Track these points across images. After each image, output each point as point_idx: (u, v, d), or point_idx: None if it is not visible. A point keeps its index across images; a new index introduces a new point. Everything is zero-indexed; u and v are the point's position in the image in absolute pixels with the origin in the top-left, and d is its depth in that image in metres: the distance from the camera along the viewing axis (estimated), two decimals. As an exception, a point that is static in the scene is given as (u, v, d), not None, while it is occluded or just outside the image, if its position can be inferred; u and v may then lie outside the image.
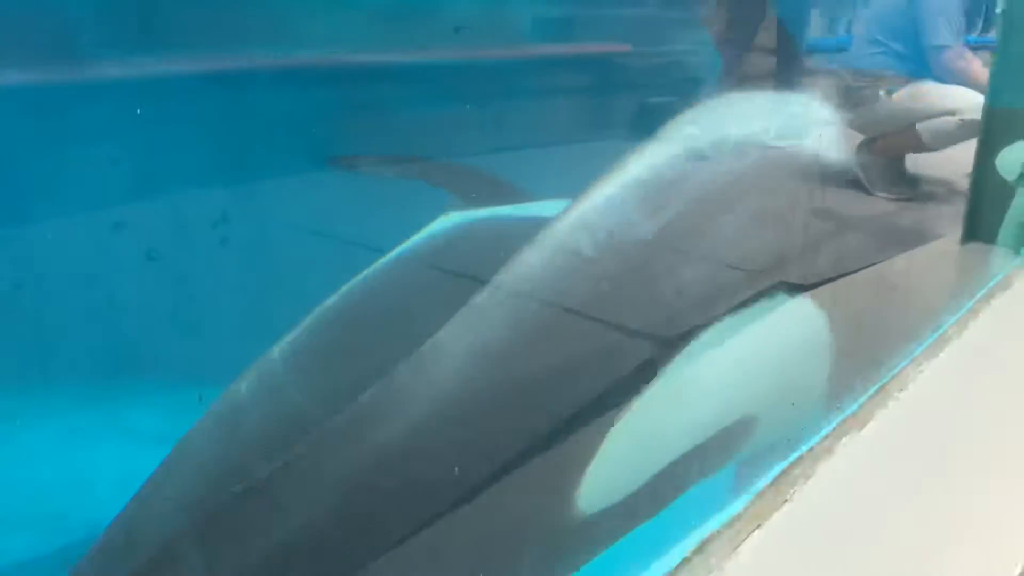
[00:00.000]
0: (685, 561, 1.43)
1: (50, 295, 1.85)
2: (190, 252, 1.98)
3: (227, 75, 1.90)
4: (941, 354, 2.29)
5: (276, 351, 1.99)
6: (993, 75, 3.16)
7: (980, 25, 4.04)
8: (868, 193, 3.62)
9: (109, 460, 1.83)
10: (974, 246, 3.28)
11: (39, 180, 1.80)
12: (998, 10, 4.02)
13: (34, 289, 1.85)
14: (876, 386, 2.03)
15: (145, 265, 1.96)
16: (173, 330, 1.87)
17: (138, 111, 1.86)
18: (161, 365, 1.89)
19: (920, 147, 3.70)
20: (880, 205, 3.46)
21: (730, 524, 1.48)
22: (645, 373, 1.74)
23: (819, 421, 1.80)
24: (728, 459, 1.90)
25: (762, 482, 1.59)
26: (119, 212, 1.85)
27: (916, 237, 3.33)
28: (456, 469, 1.53)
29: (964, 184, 3.60)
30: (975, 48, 3.61)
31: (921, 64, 3.58)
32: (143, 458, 1.83)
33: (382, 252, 2.30)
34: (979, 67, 3.71)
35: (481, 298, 1.80)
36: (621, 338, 1.78)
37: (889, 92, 3.59)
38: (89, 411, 1.84)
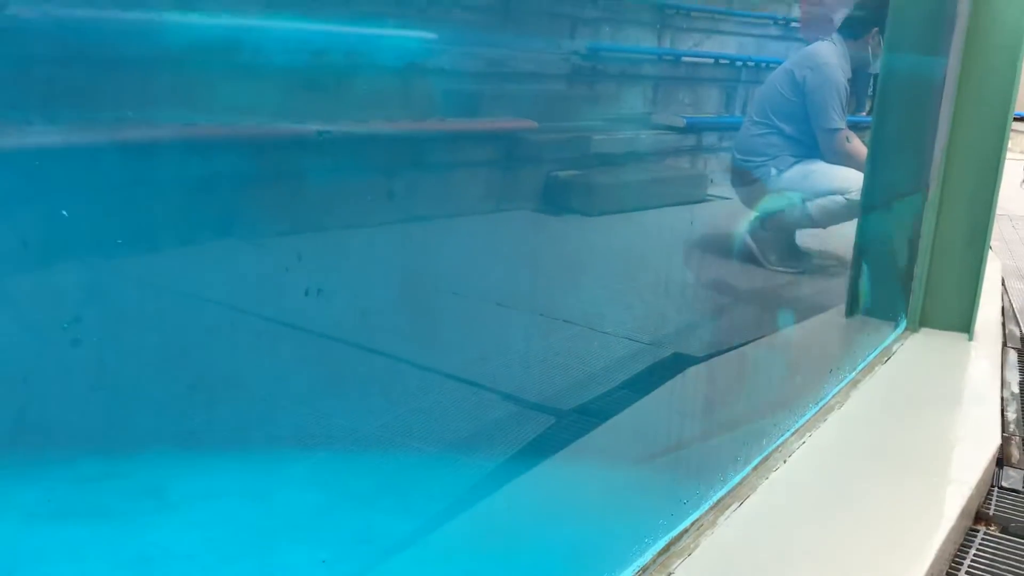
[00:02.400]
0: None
1: None
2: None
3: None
4: (822, 424, 2.39)
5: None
6: (870, 154, 3.35)
7: (855, 106, 4.30)
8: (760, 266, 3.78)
9: None
10: (857, 318, 3.44)
11: None
12: (870, 92, 4.28)
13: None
14: (759, 457, 2.10)
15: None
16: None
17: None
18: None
19: (809, 224, 3.89)
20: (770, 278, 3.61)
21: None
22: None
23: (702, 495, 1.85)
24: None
25: (645, 557, 1.62)
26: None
27: (805, 309, 3.48)
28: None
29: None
30: (855, 128, 3.84)
31: (808, 145, 3.78)
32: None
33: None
34: (862, 147, 3.94)
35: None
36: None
37: (778, 171, 3.77)
38: None
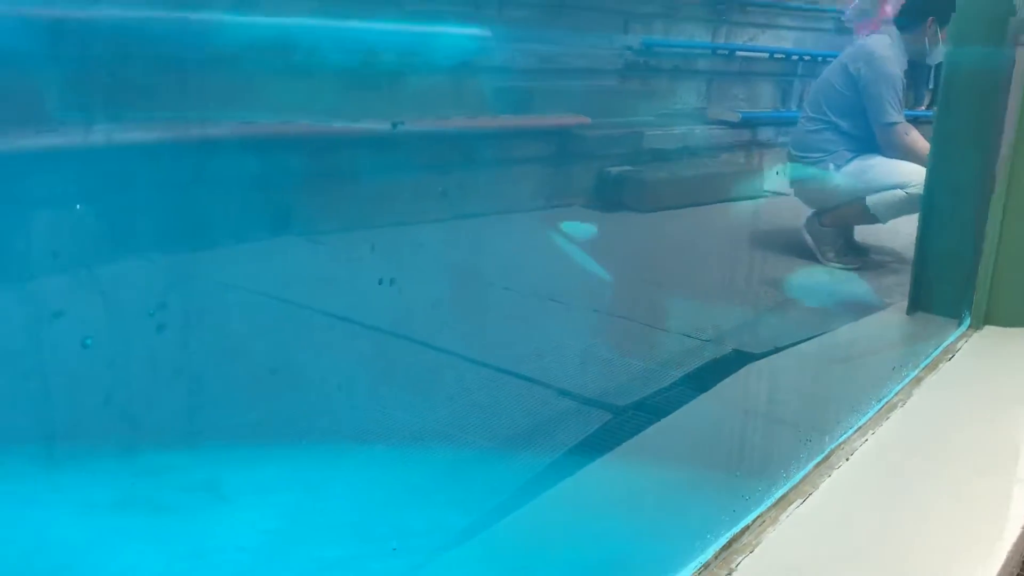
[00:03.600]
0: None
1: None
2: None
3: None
4: (885, 423, 2.34)
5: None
6: (933, 149, 3.27)
7: (912, 99, 4.20)
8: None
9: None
10: (920, 315, 3.36)
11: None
12: (931, 86, 4.18)
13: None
14: (821, 455, 2.07)
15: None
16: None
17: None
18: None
19: (869, 219, 3.82)
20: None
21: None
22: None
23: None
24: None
25: (707, 554, 1.60)
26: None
27: (865, 306, 3.42)
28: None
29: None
30: (913, 122, 3.76)
31: (865, 140, 3.71)
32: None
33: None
34: (922, 141, 3.85)
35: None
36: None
37: (836, 166, 3.71)
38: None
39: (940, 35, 3.73)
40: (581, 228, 3.50)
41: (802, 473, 1.93)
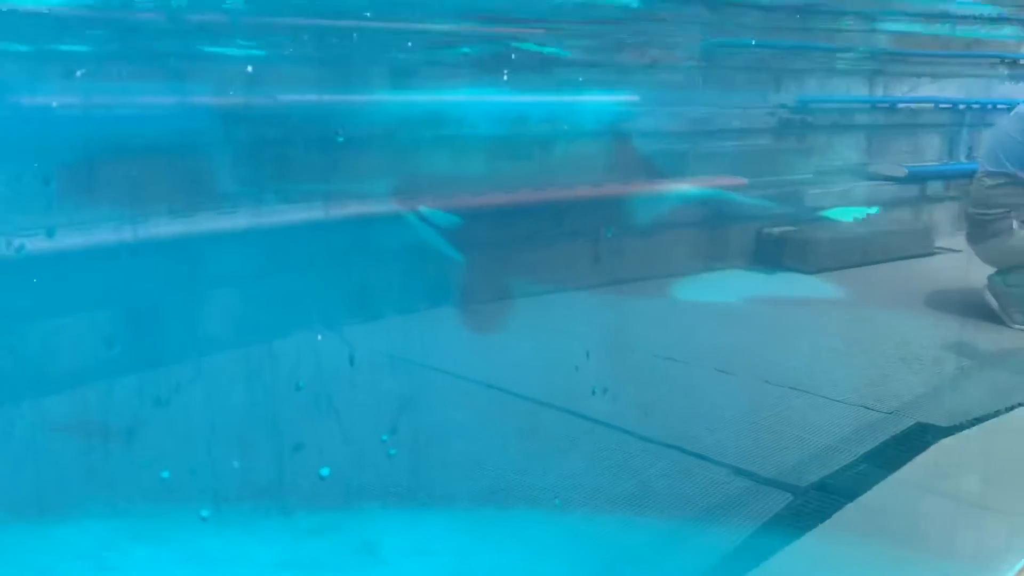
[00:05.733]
0: None
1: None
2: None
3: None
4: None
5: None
6: None
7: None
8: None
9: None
10: None
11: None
12: None
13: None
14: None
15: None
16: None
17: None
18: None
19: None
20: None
21: None
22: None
23: None
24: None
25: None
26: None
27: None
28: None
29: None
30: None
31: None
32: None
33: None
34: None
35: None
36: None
37: (1021, 222, 3.45)
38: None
39: None
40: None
41: (1017, 567, 1.75)
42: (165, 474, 1.80)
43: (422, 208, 2.59)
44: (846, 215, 4.15)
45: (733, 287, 3.60)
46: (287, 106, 2.60)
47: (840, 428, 2.41)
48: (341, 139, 2.54)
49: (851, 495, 2.00)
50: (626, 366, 2.73)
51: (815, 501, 2.01)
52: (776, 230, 3.86)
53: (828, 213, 4.13)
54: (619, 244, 3.39)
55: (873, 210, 4.31)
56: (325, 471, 1.89)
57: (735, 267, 3.81)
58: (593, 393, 2.38)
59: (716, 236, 3.82)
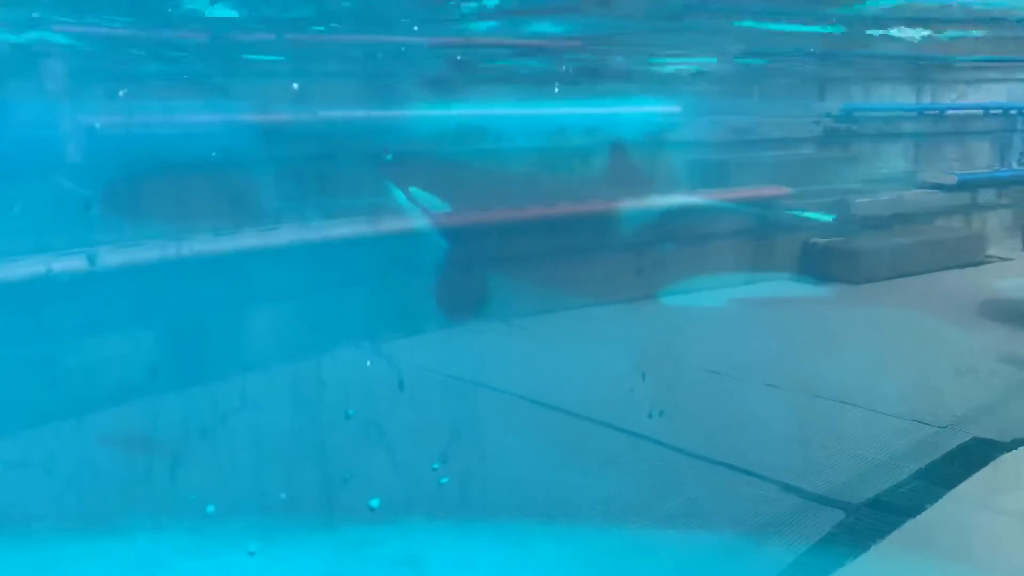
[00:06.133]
0: None
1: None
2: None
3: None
4: None
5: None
6: None
7: None
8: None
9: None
10: None
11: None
12: None
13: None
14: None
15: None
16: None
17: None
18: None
19: None
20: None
21: None
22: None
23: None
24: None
25: None
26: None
27: None
28: None
29: None
30: None
31: None
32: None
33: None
34: None
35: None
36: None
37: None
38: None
39: None
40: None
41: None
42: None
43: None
44: (894, 224, 4.07)
45: (781, 297, 3.55)
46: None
47: (893, 443, 2.35)
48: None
49: (906, 512, 1.95)
50: (671, 377, 2.69)
51: (869, 518, 1.96)
52: (822, 240, 3.79)
53: (876, 222, 4.05)
54: (656, 256, 3.39)
55: (923, 218, 4.22)
56: (375, 503, 1.91)
57: (780, 278, 3.75)
58: (650, 416, 2.37)
59: (760, 247, 3.76)
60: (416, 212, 2.85)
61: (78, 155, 2.30)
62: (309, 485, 2.00)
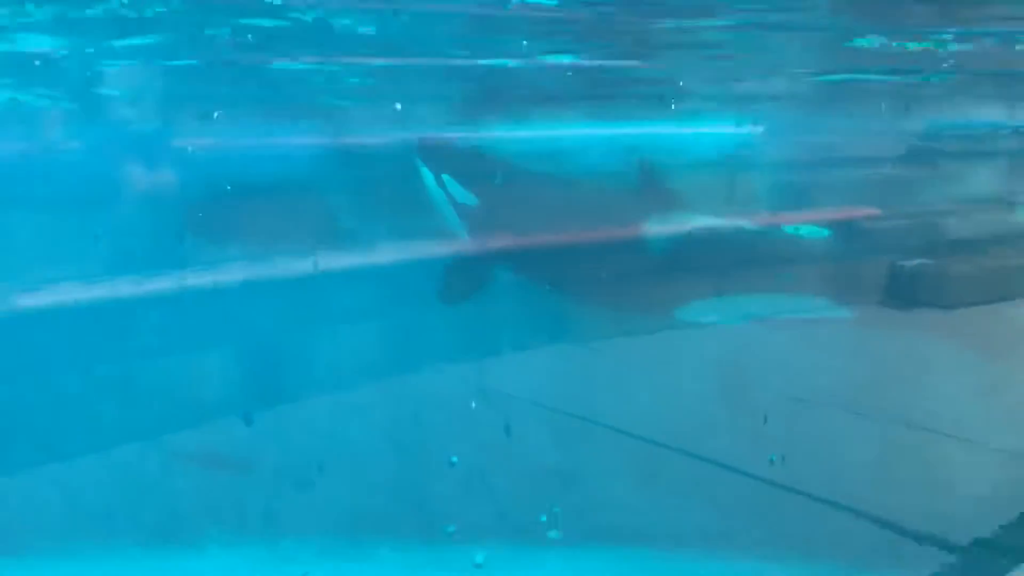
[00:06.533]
0: None
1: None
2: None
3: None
4: None
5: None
6: None
7: None
8: None
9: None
10: None
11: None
12: None
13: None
14: None
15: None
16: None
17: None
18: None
19: None
20: None
21: None
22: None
23: None
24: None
25: None
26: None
27: None
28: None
29: None
30: None
31: None
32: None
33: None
34: None
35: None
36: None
37: None
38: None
39: None
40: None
41: None
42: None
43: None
44: (987, 247, 3.91)
45: (864, 323, 3.43)
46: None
47: (993, 477, 2.24)
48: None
49: (1012, 553, 1.85)
50: (751, 406, 2.62)
51: (974, 558, 1.87)
52: (910, 263, 3.66)
53: (967, 245, 3.90)
54: (734, 280, 3.33)
55: (1018, 241, 4.05)
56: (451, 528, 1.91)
57: (867, 302, 3.63)
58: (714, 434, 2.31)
59: (844, 270, 3.65)
60: (496, 233, 2.85)
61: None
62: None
